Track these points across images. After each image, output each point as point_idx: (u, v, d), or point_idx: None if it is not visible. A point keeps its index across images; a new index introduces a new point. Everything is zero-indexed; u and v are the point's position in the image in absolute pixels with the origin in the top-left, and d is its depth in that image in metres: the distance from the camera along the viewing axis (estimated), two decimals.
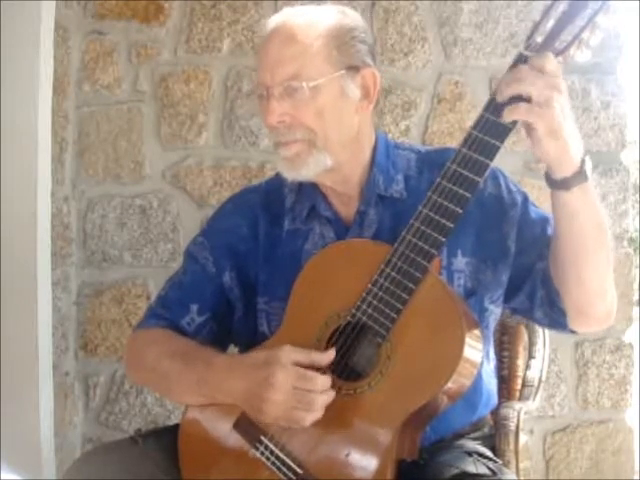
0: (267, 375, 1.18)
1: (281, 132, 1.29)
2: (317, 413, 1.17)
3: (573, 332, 1.32)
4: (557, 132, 1.10)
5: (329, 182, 1.35)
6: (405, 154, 1.41)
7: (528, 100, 1.09)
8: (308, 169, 1.30)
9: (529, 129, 1.11)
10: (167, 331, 1.38)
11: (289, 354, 1.19)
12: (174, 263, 2.17)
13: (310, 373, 1.17)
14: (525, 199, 1.36)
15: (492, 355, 1.45)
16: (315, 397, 1.16)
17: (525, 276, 1.31)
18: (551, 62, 1.09)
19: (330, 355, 1.20)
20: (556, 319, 1.31)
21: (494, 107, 1.12)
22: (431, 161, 1.37)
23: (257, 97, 1.32)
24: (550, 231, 1.29)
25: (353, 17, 1.33)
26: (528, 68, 1.09)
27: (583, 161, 1.14)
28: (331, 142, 1.29)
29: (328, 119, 1.28)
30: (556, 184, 1.16)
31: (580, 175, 1.14)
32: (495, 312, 1.37)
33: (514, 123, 1.12)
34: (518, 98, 1.09)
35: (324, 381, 1.18)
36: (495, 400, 1.43)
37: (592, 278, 1.23)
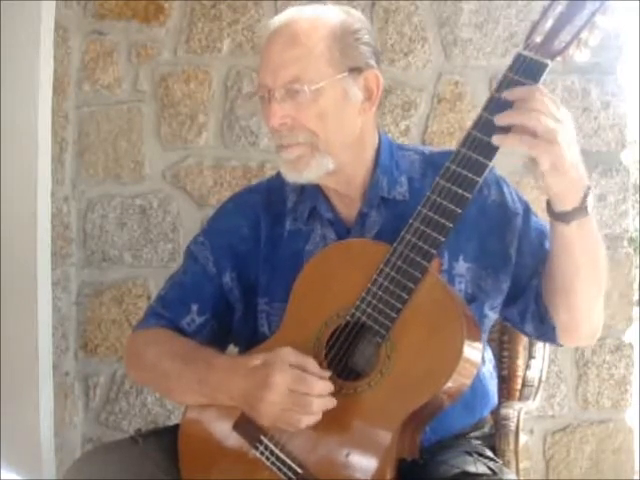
0: (265, 376, 1.18)
1: (283, 135, 1.28)
2: (314, 416, 1.17)
3: (561, 345, 1.34)
4: (561, 168, 1.09)
5: (332, 184, 1.35)
6: (409, 155, 1.40)
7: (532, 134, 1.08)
8: (310, 172, 1.29)
9: (533, 163, 1.10)
10: (167, 331, 1.38)
11: (287, 356, 1.18)
12: (174, 263, 2.17)
13: (308, 376, 1.17)
14: (527, 209, 1.35)
15: (490, 356, 1.45)
16: (311, 400, 1.16)
17: (520, 291, 1.32)
18: (542, 97, 1.08)
19: (324, 375, 1.18)
20: (546, 333, 1.32)
21: (494, 107, 1.12)
22: (435, 163, 1.35)
23: (259, 99, 1.31)
24: (547, 245, 1.29)
25: (357, 18, 1.32)
26: (534, 100, 1.08)
27: (585, 196, 1.13)
28: (333, 145, 1.29)
29: (330, 122, 1.27)
30: (555, 216, 1.16)
31: (580, 210, 1.14)
32: (492, 318, 1.37)
33: None
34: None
35: (322, 385, 1.17)
36: (495, 401, 1.43)
37: (581, 306, 1.25)
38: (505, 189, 1.35)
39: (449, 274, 1.30)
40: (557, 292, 1.24)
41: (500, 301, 1.34)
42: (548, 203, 1.17)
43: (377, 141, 1.38)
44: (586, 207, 1.13)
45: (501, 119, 1.10)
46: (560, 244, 1.19)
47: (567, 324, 1.28)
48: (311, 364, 1.18)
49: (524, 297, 1.31)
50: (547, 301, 1.27)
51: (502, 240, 1.32)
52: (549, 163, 1.08)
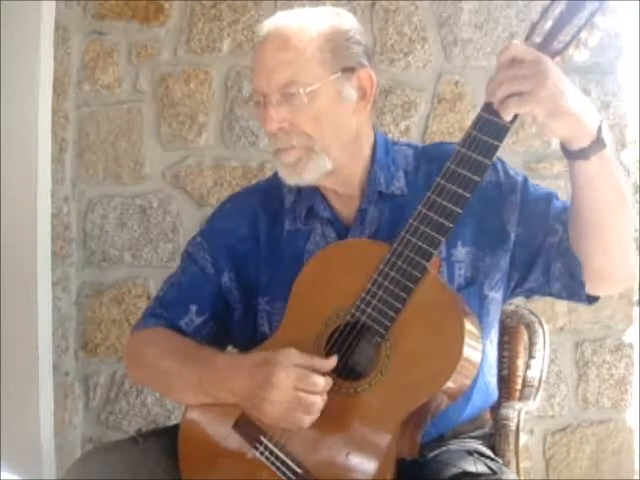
0: (268, 374, 1.18)
1: (280, 138, 1.29)
2: (315, 415, 1.17)
3: (591, 303, 1.31)
4: (558, 111, 1.09)
5: (330, 184, 1.35)
6: (403, 150, 1.41)
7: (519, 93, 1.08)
8: (309, 173, 1.30)
9: (532, 117, 1.11)
10: (167, 330, 1.38)
11: (292, 357, 1.18)
12: (174, 263, 2.15)
13: (311, 374, 1.17)
14: (524, 180, 1.35)
15: (495, 342, 1.42)
16: (315, 399, 1.16)
17: (536, 254, 1.31)
18: (519, 50, 1.09)
19: (332, 362, 1.19)
20: (575, 291, 1.29)
21: (492, 107, 1.12)
22: (427, 155, 1.39)
23: (254, 104, 1.31)
24: (558, 204, 1.29)
25: (347, 18, 1.33)
26: (501, 66, 1.09)
27: (599, 128, 1.12)
28: (329, 146, 1.29)
29: (326, 123, 1.28)
30: (574, 155, 1.14)
31: (598, 143, 1.13)
32: (496, 299, 1.36)
33: (512, 122, 1.12)
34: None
35: (325, 383, 1.17)
36: (495, 394, 1.43)
37: (614, 241, 1.22)
38: (499, 166, 1.36)
39: (448, 261, 1.31)
40: (590, 236, 1.22)
41: (499, 278, 1.33)
42: (562, 146, 1.15)
43: (373, 139, 1.38)
44: (602, 139, 1.13)
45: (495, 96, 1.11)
46: (585, 183, 1.17)
47: (603, 269, 1.25)
48: (317, 361, 1.19)
49: (542, 256, 1.30)
50: (579, 250, 1.24)
51: (498, 217, 1.32)
52: (543, 111, 1.08)
